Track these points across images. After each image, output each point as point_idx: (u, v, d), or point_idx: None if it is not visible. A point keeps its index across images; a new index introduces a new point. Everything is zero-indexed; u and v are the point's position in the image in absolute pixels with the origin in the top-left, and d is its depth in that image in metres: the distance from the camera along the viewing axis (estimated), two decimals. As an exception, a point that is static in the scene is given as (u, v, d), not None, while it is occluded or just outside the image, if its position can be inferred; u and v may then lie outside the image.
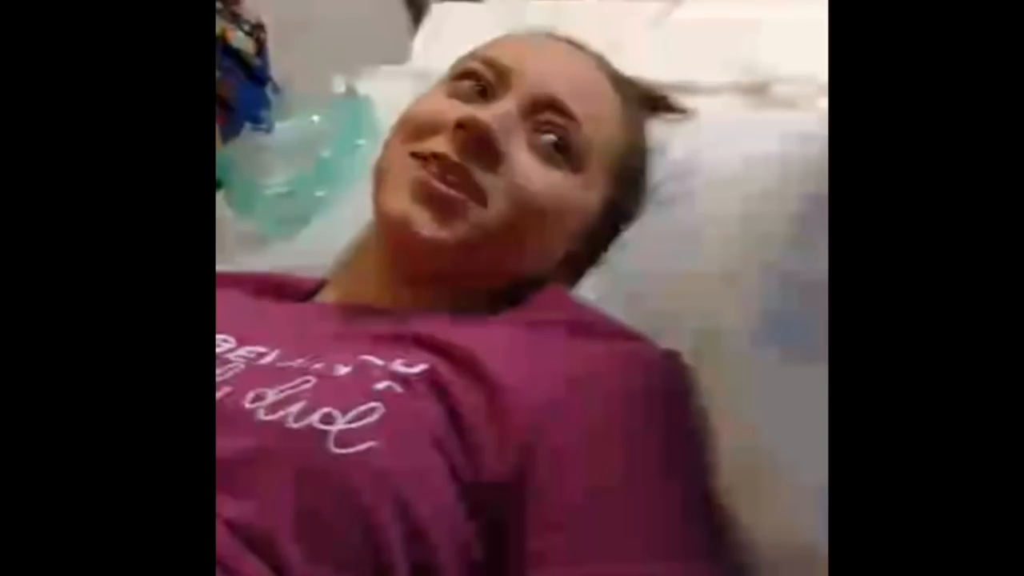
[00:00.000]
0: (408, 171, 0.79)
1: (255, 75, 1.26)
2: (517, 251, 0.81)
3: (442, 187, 0.77)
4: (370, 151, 1.08)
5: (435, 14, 1.38)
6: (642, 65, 0.93)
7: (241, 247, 1.03)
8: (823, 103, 1.02)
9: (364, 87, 1.18)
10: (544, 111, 0.81)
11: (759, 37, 1.14)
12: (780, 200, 0.81)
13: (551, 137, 0.81)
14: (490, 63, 0.84)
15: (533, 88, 0.81)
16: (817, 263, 0.76)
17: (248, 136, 1.11)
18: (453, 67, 0.87)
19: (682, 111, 0.95)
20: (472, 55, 0.86)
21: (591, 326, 0.78)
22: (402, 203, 0.78)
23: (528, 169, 0.79)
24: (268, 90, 1.23)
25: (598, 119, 0.84)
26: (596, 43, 0.92)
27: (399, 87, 1.19)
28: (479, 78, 0.83)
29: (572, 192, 0.82)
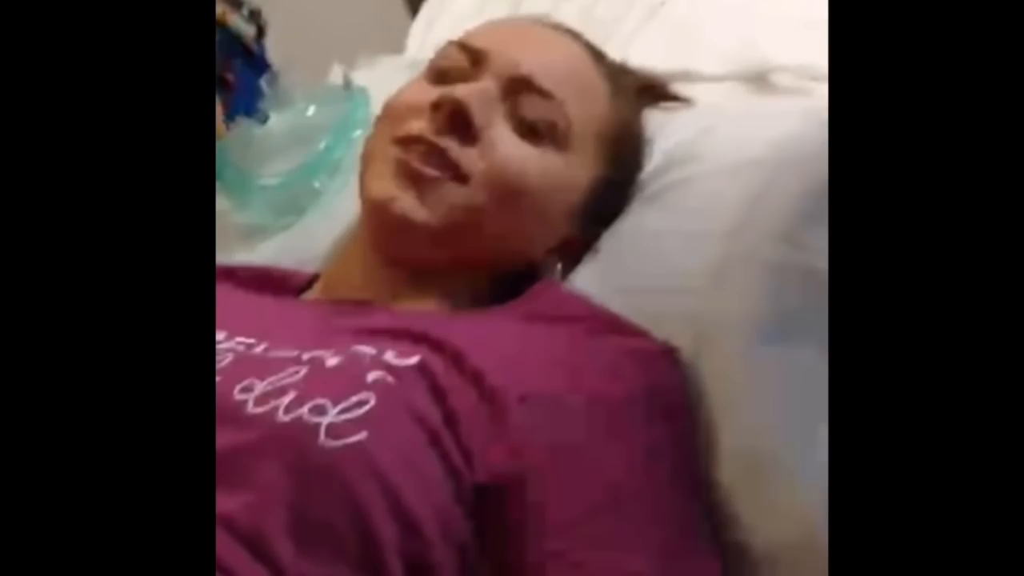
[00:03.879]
0: (389, 154, 0.79)
1: (254, 62, 1.25)
2: (502, 230, 0.80)
3: (421, 166, 0.77)
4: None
5: (432, 5, 1.38)
6: (641, 54, 0.92)
7: (237, 239, 1.03)
8: (822, 91, 1.01)
9: (361, 78, 1.17)
10: (522, 91, 0.81)
11: (758, 25, 1.13)
12: (782, 194, 0.80)
13: (532, 115, 0.80)
14: (465, 47, 0.84)
15: (508, 69, 0.81)
16: (817, 258, 0.76)
17: (244, 126, 1.10)
18: (434, 56, 0.87)
19: (680, 99, 0.94)
20: (450, 43, 0.86)
21: (588, 321, 0.78)
22: (384, 186, 0.78)
23: (509, 145, 0.79)
24: (265, 79, 1.23)
25: (580, 97, 0.83)
26: (594, 33, 0.91)
27: (396, 78, 1.18)
28: (456, 62, 0.83)
29: (557, 169, 0.81)
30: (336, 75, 1.22)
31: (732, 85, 1.08)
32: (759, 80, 1.07)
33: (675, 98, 0.93)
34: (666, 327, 0.78)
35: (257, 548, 0.60)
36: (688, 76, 1.05)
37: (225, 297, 0.81)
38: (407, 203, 0.77)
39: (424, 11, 1.37)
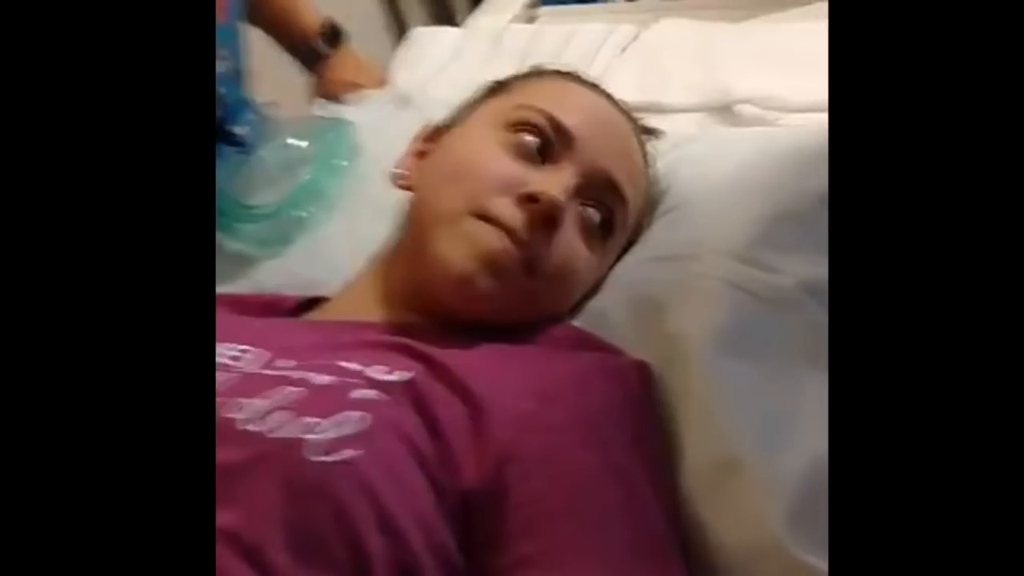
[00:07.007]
0: (474, 231, 0.79)
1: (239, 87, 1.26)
2: (543, 310, 0.84)
3: (509, 263, 0.78)
4: (352, 172, 1.10)
5: (415, 38, 1.39)
6: (614, 87, 0.94)
7: (226, 268, 1.02)
8: (784, 120, 1.05)
9: (348, 112, 1.19)
10: (598, 187, 0.84)
11: (723, 60, 1.16)
12: (740, 218, 0.83)
13: (598, 216, 0.84)
14: (554, 124, 0.84)
15: (594, 163, 0.83)
16: (772, 277, 0.79)
17: (231, 157, 1.11)
18: (509, 113, 0.86)
19: (655, 132, 0.97)
20: (539, 110, 0.85)
21: (565, 339, 0.81)
22: (463, 261, 0.78)
23: (575, 249, 0.82)
24: (251, 110, 1.23)
25: (636, 189, 0.87)
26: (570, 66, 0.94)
27: (380, 110, 1.21)
28: (541, 134, 0.84)
29: (604, 261, 0.86)
30: (321, 107, 1.24)
31: (699, 116, 1.12)
32: (724, 111, 1.11)
33: (653, 132, 0.95)
34: (637, 342, 0.80)
35: (256, 561, 0.61)
36: (658, 108, 1.09)
37: (218, 320, 0.83)
38: (487, 284, 0.78)
39: (408, 45, 1.38)
